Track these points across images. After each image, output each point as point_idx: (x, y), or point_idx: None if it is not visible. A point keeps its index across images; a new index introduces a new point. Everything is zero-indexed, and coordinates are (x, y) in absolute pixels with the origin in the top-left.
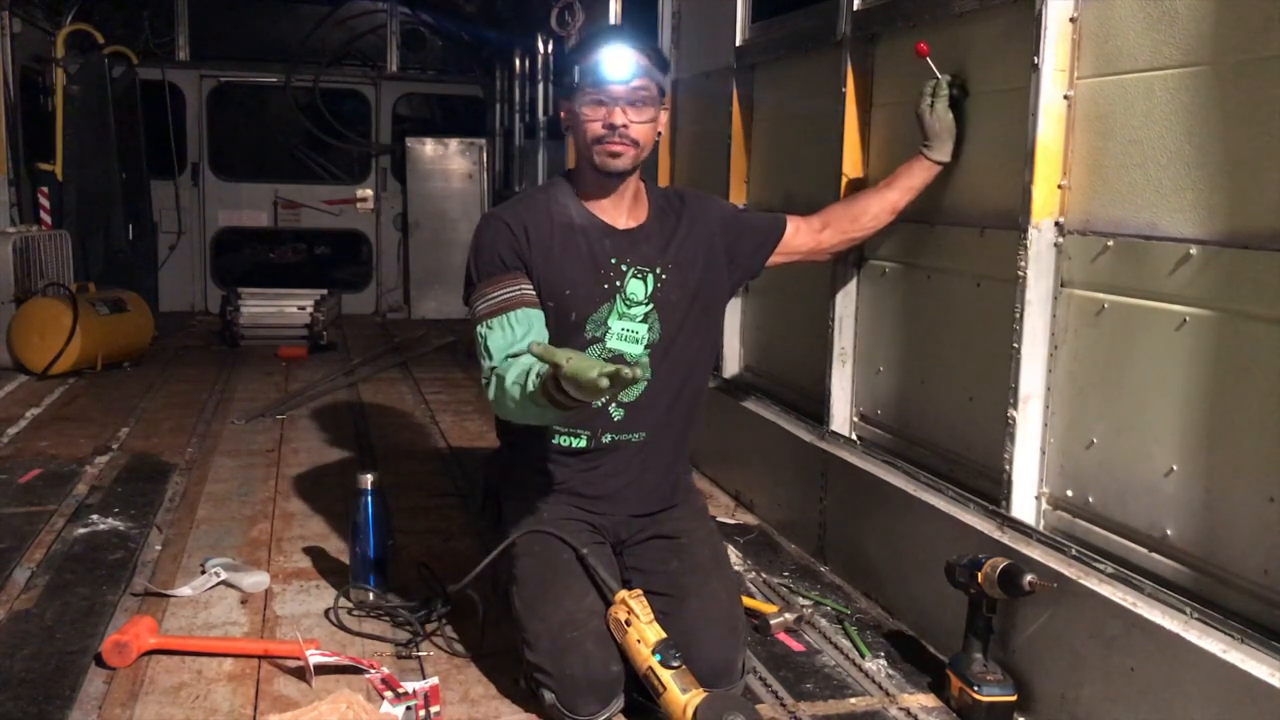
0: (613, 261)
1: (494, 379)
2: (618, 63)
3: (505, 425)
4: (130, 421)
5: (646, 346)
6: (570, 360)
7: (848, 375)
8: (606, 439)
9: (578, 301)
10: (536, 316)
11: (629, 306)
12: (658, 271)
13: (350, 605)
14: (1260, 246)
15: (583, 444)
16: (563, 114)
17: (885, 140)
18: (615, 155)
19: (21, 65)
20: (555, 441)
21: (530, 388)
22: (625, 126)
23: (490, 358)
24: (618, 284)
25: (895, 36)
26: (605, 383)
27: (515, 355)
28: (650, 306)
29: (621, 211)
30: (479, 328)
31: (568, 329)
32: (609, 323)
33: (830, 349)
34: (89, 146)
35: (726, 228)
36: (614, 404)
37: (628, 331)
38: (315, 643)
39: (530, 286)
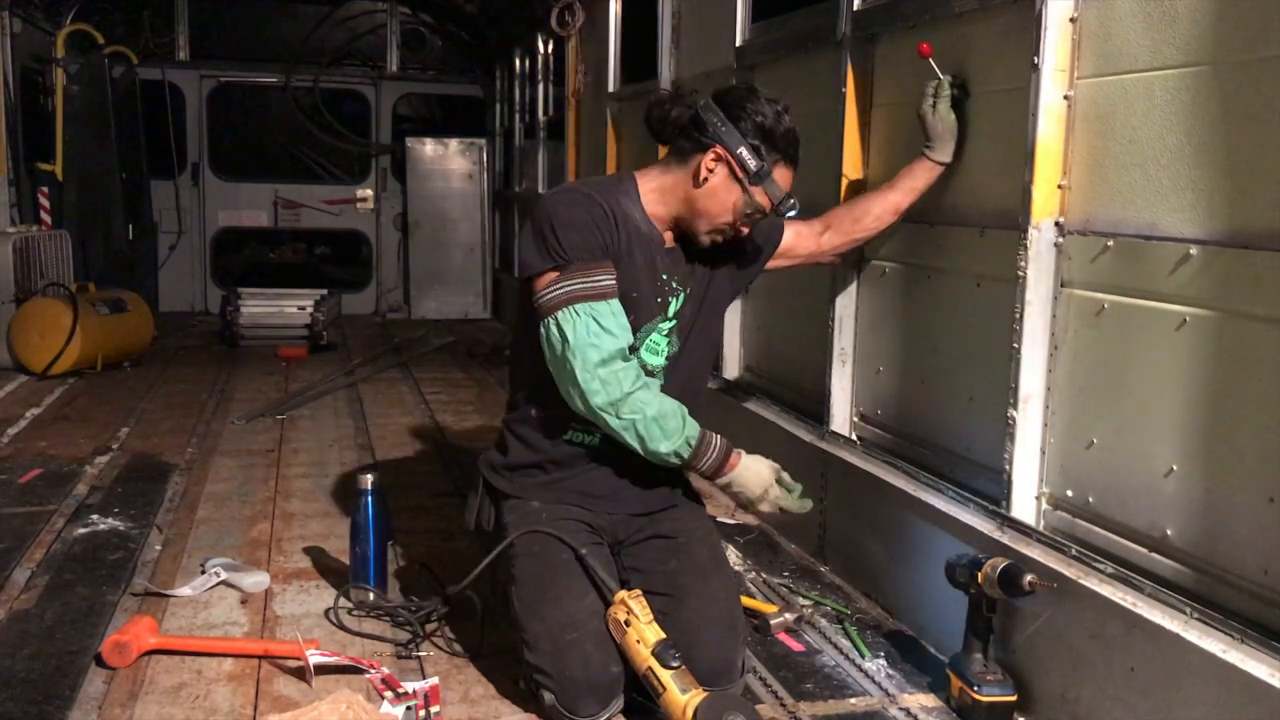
0: (664, 278)
1: (634, 384)
2: (797, 207)
3: (518, 417)
4: (130, 421)
5: (666, 359)
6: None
7: (848, 375)
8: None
9: (638, 308)
10: (623, 313)
11: (663, 322)
12: (687, 290)
13: (350, 605)
14: (1260, 246)
15: (595, 441)
16: (713, 163)
17: (885, 140)
18: (714, 244)
19: (21, 65)
20: (567, 438)
21: (683, 440)
22: (744, 234)
23: (615, 335)
24: (668, 299)
25: (895, 36)
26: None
27: (630, 346)
28: (674, 323)
29: (669, 229)
30: (580, 306)
31: None
32: (648, 335)
33: (830, 349)
34: (89, 146)
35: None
36: None
37: (654, 345)
38: (315, 643)
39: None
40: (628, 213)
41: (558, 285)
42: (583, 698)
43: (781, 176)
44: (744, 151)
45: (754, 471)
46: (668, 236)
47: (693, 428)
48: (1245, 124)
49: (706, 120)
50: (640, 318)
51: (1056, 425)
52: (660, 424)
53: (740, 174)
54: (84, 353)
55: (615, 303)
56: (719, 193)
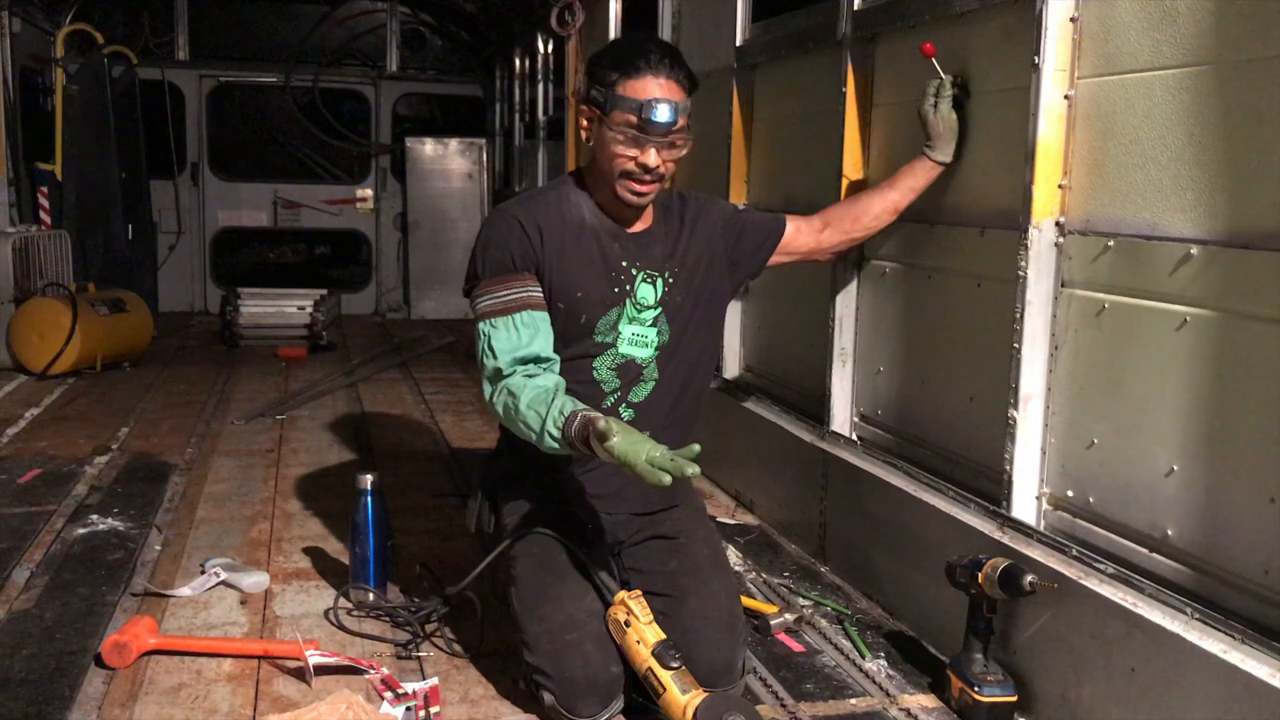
0: (623, 264)
1: (504, 392)
2: (664, 107)
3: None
4: (130, 421)
5: (656, 350)
6: (619, 439)
7: (848, 375)
8: None
9: (588, 305)
10: (543, 319)
11: (639, 311)
12: (666, 276)
13: (350, 605)
14: (1260, 246)
15: None
16: (584, 121)
17: (886, 140)
18: (640, 194)
19: (21, 65)
20: None
21: (552, 425)
22: (658, 167)
23: (495, 357)
24: (628, 288)
25: (895, 36)
26: (658, 478)
27: (524, 360)
28: (659, 311)
29: (631, 215)
30: (482, 324)
31: (577, 332)
32: (619, 327)
33: (830, 349)
34: (89, 146)
35: (728, 229)
36: (624, 405)
37: (637, 336)
38: (315, 643)
39: (538, 289)
40: (565, 212)
41: (472, 302)
42: (583, 698)
43: (632, 88)
44: (594, 91)
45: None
46: (630, 221)
47: (555, 420)
48: (1246, 124)
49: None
50: (593, 313)
51: (1057, 425)
52: (525, 420)
53: (596, 113)
54: (83, 353)
55: (523, 314)
56: (600, 139)
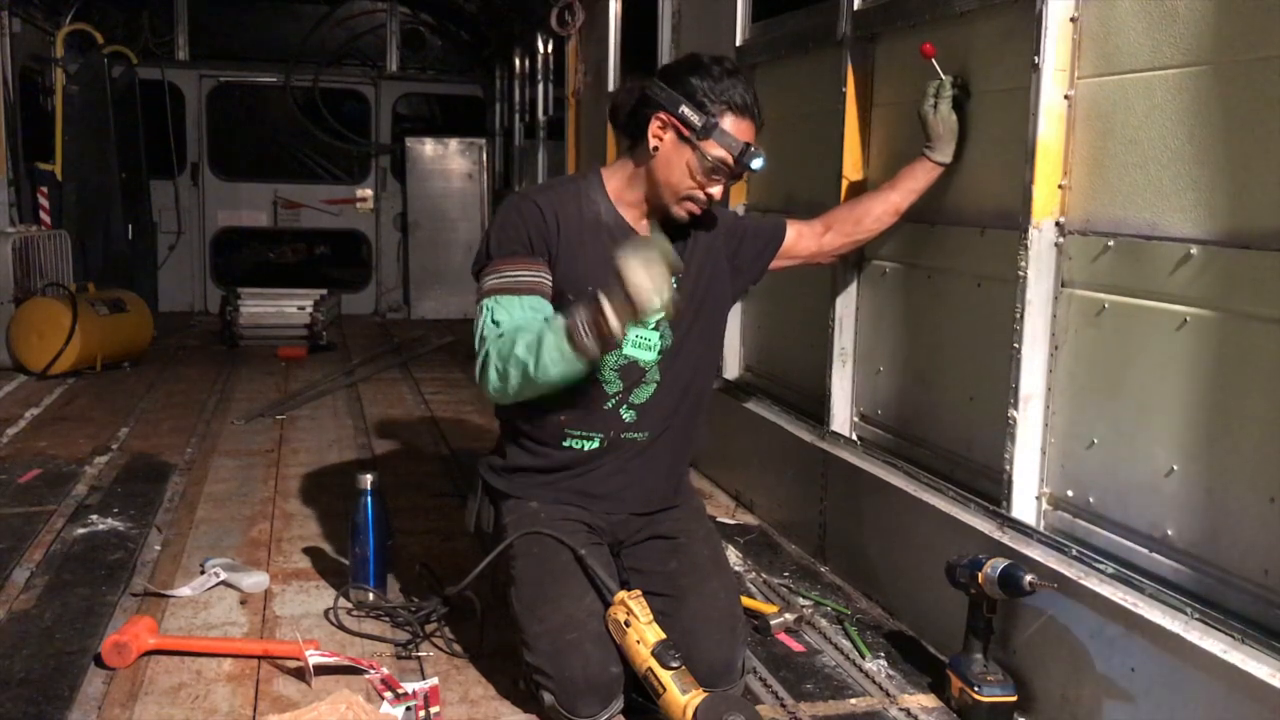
0: None
1: (497, 344)
2: (761, 159)
3: (514, 424)
4: (130, 421)
5: (659, 353)
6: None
7: (848, 375)
8: (620, 438)
9: None
10: (548, 309)
11: None
12: (672, 280)
13: (350, 605)
14: (1260, 246)
15: (594, 445)
16: (659, 128)
17: (886, 140)
18: (694, 215)
19: (21, 65)
20: (566, 444)
21: (552, 332)
22: (717, 197)
23: (497, 327)
24: None
25: (896, 36)
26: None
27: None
28: (662, 314)
29: (644, 218)
30: (487, 300)
31: None
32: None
33: (830, 349)
34: (89, 146)
35: (730, 235)
36: (625, 406)
37: (641, 338)
38: (315, 643)
39: (549, 278)
40: (583, 206)
41: (479, 280)
42: (583, 698)
43: (734, 127)
44: (685, 109)
45: (634, 285)
46: (643, 225)
47: (555, 328)
48: (1246, 124)
49: (650, 94)
50: None
51: (1057, 425)
52: (537, 354)
53: (687, 133)
54: (83, 353)
55: (532, 299)
56: (672, 158)
